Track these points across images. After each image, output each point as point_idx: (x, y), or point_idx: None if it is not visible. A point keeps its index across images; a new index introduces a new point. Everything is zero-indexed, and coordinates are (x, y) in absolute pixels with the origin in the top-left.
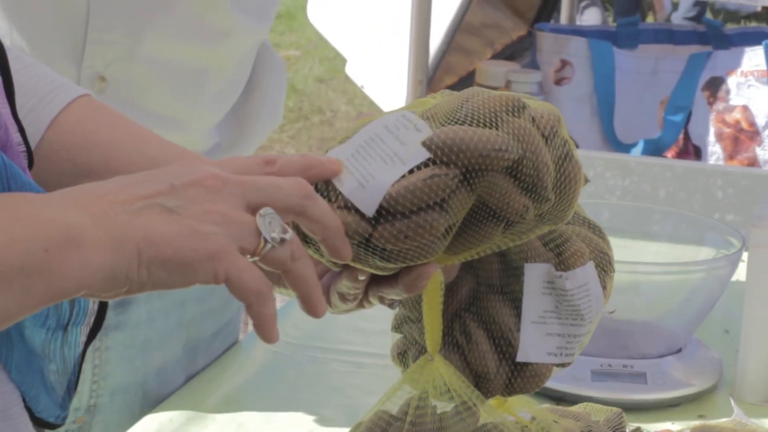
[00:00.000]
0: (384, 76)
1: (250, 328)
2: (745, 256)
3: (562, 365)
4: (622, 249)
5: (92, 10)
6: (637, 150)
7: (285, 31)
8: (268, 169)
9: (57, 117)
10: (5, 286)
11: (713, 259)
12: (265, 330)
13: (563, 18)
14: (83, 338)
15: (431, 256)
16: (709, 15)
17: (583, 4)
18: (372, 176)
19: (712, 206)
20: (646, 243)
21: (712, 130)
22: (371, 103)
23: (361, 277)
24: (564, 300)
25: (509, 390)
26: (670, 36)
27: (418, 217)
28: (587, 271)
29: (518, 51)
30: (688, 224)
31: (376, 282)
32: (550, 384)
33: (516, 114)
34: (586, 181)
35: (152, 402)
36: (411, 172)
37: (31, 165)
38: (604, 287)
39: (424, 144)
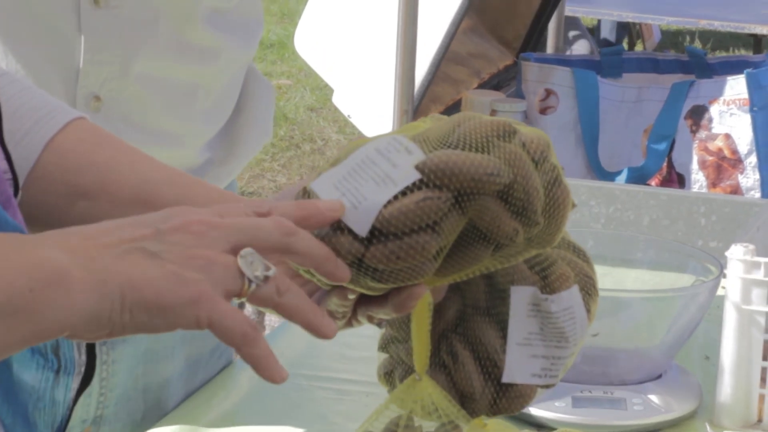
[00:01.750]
0: (370, 105)
1: None
2: (725, 283)
3: (547, 386)
4: (603, 276)
5: (84, 31)
6: (622, 178)
7: (276, 61)
8: None
9: (53, 139)
10: None
11: (690, 287)
12: (265, 370)
13: (549, 48)
14: (75, 385)
15: (422, 277)
16: (698, 43)
17: (572, 35)
18: (364, 197)
19: (695, 233)
20: (628, 270)
21: (695, 158)
22: (361, 133)
23: (351, 296)
24: (549, 322)
25: (494, 410)
26: (654, 65)
27: (410, 239)
28: (572, 295)
29: (504, 80)
30: (669, 252)
31: (365, 301)
32: (531, 410)
33: (507, 139)
34: (574, 206)
35: (154, 412)
36: (403, 193)
37: (16, 193)
38: (588, 310)
39: (417, 167)
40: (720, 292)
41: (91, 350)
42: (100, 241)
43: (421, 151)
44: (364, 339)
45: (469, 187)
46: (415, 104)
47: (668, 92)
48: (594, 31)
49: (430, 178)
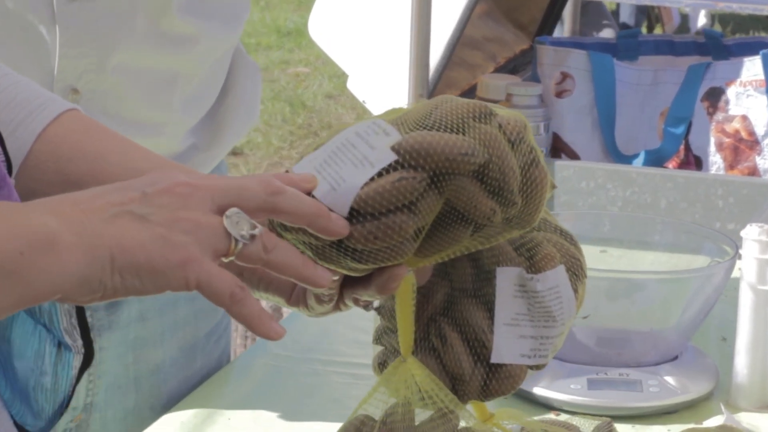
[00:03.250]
0: (385, 90)
1: (249, 342)
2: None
3: (537, 367)
4: (619, 258)
5: (59, 24)
6: (639, 161)
7: (294, 48)
8: None
9: (45, 129)
10: None
11: (705, 267)
12: (258, 327)
13: (566, 31)
14: (77, 363)
15: (402, 257)
16: (717, 26)
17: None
18: (343, 179)
19: (713, 215)
20: (644, 252)
21: (712, 141)
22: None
23: (335, 278)
24: (536, 302)
25: (485, 393)
26: (670, 47)
27: (387, 219)
28: (558, 274)
29: (521, 64)
30: (685, 233)
31: (350, 284)
32: (547, 393)
33: (483, 120)
34: (554, 187)
35: (147, 400)
36: (380, 174)
37: (10, 172)
38: (575, 291)
39: (392, 148)
40: (736, 273)
41: (85, 332)
42: (90, 205)
43: (398, 133)
44: None
45: (444, 167)
46: (430, 89)
47: (684, 75)
48: (614, 16)
49: (405, 159)
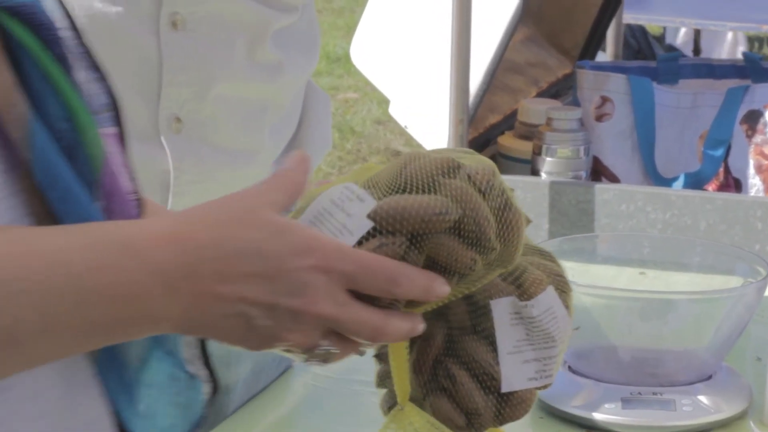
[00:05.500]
0: (426, 115)
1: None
2: None
3: (544, 387)
4: (654, 280)
5: (164, 53)
6: (678, 184)
7: (343, 75)
8: None
9: None
10: (74, 336)
11: (737, 288)
12: None
13: (608, 55)
14: (207, 390)
15: None
16: (766, 48)
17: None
18: None
19: (752, 237)
20: (681, 274)
21: (751, 163)
22: (418, 143)
23: None
24: (533, 326)
25: (500, 420)
26: (709, 71)
27: None
28: (549, 296)
29: (563, 89)
30: (718, 254)
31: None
32: (581, 412)
33: (452, 175)
34: (529, 221)
35: (214, 418)
36: (360, 243)
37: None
38: (566, 306)
39: (369, 216)
40: None
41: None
42: (214, 289)
43: (372, 198)
44: None
45: (421, 229)
46: (471, 114)
47: (723, 97)
48: (661, 40)
49: (382, 225)
